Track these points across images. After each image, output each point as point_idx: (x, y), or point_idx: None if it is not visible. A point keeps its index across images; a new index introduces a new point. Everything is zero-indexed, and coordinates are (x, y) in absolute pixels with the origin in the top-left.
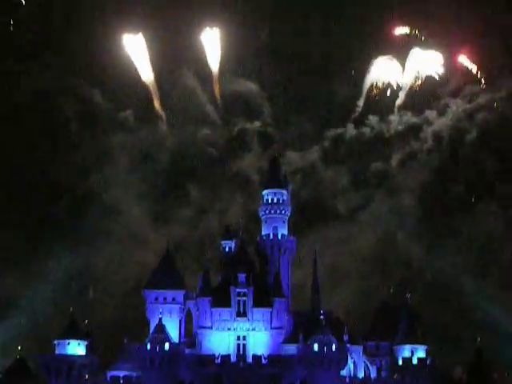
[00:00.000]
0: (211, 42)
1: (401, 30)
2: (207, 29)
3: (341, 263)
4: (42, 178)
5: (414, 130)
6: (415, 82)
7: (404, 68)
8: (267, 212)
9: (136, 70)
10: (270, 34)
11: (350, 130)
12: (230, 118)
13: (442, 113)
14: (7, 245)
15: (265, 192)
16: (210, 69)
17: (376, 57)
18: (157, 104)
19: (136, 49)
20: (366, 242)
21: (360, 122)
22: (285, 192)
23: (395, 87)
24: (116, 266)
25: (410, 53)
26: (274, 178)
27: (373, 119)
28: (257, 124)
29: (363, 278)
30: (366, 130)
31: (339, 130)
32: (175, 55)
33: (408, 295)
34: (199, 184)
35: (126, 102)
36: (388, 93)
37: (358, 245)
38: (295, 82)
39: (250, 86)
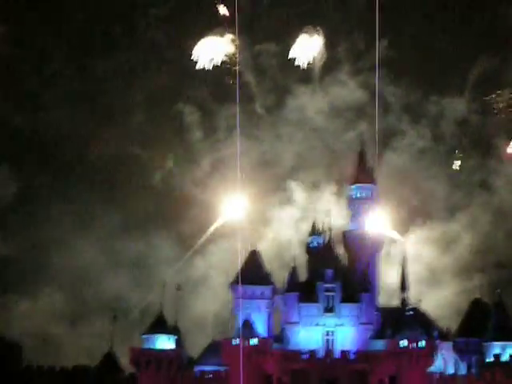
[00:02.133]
0: None
1: None
2: None
3: (440, 262)
4: None
5: None
6: None
7: None
8: (356, 207)
9: None
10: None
11: None
12: None
13: None
14: None
15: (353, 186)
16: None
17: None
18: None
19: None
20: (466, 241)
21: None
22: (372, 186)
23: None
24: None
25: None
26: (362, 173)
27: None
28: None
29: (460, 277)
30: None
31: None
32: None
33: (498, 291)
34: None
35: None
36: None
37: (457, 244)
38: None
39: None
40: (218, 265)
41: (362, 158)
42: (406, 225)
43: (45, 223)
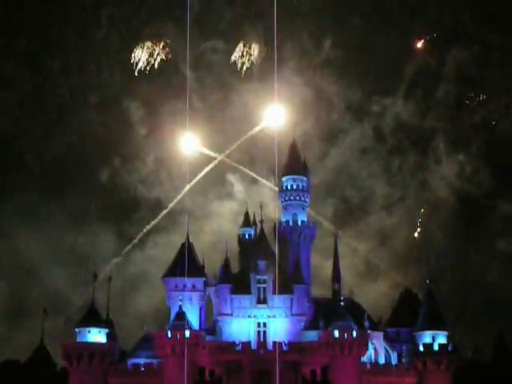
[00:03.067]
0: None
1: None
2: None
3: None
4: None
5: None
6: None
7: None
8: (287, 199)
9: None
10: None
11: None
12: None
13: None
14: None
15: (284, 178)
16: None
17: None
18: None
19: None
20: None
21: None
22: (304, 178)
23: None
24: None
25: None
26: (293, 164)
27: None
28: None
29: (395, 269)
30: None
31: None
32: None
33: (428, 281)
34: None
35: None
36: None
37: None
38: None
39: None
40: (157, 258)
41: (294, 149)
42: (344, 219)
43: None
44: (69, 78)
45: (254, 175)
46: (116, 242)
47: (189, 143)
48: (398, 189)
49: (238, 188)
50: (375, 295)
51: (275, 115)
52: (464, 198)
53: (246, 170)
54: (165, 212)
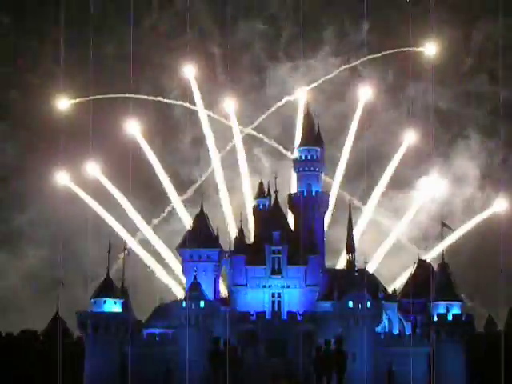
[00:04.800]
0: None
1: None
2: None
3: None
4: None
5: None
6: None
7: None
8: (301, 169)
9: None
10: None
11: None
12: None
13: None
14: None
15: (298, 149)
16: None
17: None
18: None
19: None
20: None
21: None
22: (318, 149)
23: None
24: None
25: None
26: (307, 135)
27: None
28: None
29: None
30: None
31: None
32: None
33: (442, 251)
34: None
35: None
36: None
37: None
38: None
39: None
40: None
41: (308, 120)
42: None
43: None
44: None
45: (276, 145)
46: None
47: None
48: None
49: (265, 163)
50: (393, 267)
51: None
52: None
53: (271, 142)
54: (194, 186)
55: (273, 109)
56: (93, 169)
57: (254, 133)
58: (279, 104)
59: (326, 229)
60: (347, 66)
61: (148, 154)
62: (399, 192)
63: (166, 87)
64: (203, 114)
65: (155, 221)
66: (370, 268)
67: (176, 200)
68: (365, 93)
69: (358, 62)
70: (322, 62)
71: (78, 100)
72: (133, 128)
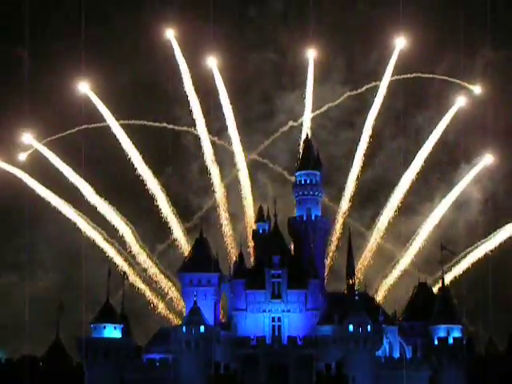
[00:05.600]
0: None
1: None
2: None
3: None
4: None
5: None
6: None
7: None
8: (300, 194)
9: None
10: None
11: None
12: None
13: None
14: None
15: (297, 173)
16: None
17: None
18: None
19: None
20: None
21: None
22: (318, 173)
23: None
24: None
25: None
26: (306, 160)
27: None
28: None
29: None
30: None
31: None
32: None
33: (444, 274)
34: None
35: None
36: None
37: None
38: None
39: None
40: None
41: (307, 144)
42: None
43: None
44: None
45: (280, 170)
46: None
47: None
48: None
49: (269, 188)
50: (392, 290)
51: None
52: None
53: (275, 167)
54: (199, 215)
55: (278, 134)
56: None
57: (259, 158)
58: (284, 129)
59: (330, 254)
60: (353, 92)
61: (151, 184)
62: (402, 217)
63: None
64: (206, 142)
65: (160, 247)
66: (374, 293)
67: (176, 227)
68: (400, 41)
69: (364, 89)
70: (330, 90)
71: None
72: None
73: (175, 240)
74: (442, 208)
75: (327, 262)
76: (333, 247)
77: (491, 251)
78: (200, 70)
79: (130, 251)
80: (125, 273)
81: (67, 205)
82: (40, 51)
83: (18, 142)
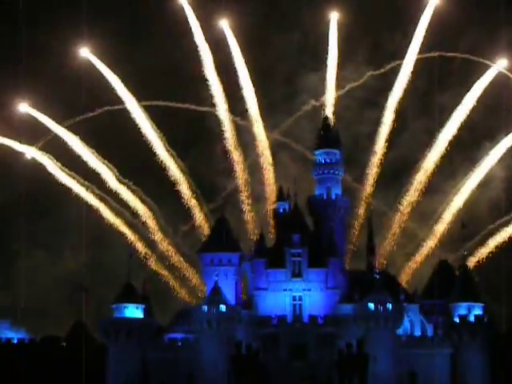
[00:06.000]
0: None
1: None
2: None
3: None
4: None
5: None
6: None
7: None
8: (320, 172)
9: None
10: None
11: None
12: None
13: None
14: None
15: (317, 152)
16: None
17: None
18: None
19: None
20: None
21: None
22: (337, 152)
23: None
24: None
25: None
26: (325, 138)
27: None
28: None
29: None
30: None
31: None
32: None
33: (464, 252)
34: None
35: None
36: None
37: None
38: None
39: None
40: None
41: (326, 123)
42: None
43: None
44: None
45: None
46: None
47: None
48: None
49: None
50: (414, 269)
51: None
52: None
53: (297, 147)
54: (222, 196)
55: (300, 113)
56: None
57: (282, 138)
58: (306, 108)
59: (355, 234)
60: (376, 72)
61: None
62: (426, 197)
63: None
64: (227, 123)
65: (184, 228)
66: (397, 272)
67: (198, 209)
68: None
69: (388, 68)
70: (353, 70)
71: None
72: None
73: (198, 221)
74: (465, 187)
75: (351, 241)
76: (357, 227)
77: None
78: (221, 50)
79: (152, 233)
80: (146, 253)
81: (87, 190)
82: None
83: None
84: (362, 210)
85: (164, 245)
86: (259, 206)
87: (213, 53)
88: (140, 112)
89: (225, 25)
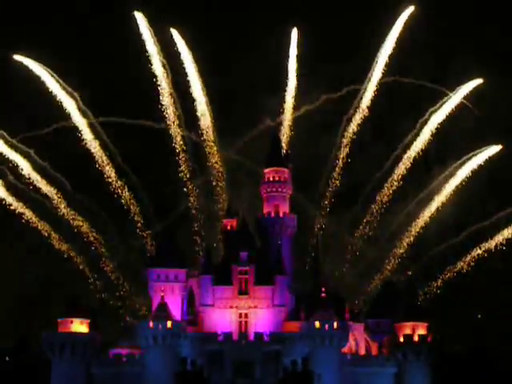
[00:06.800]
0: None
1: None
2: None
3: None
4: None
5: None
6: None
7: None
8: (268, 190)
9: None
10: None
11: None
12: None
13: None
14: None
15: (266, 170)
16: None
17: None
18: None
19: None
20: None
21: None
22: (286, 170)
23: None
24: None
25: None
26: (274, 157)
27: None
28: None
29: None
30: None
31: None
32: None
33: (409, 273)
34: None
35: None
36: None
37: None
38: None
39: None
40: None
41: (275, 141)
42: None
43: None
44: None
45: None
46: None
47: None
48: None
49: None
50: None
51: None
52: None
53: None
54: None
55: (255, 133)
56: None
57: (235, 156)
58: (261, 128)
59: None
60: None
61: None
62: (378, 218)
63: None
64: (179, 139)
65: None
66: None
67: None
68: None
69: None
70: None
71: None
72: None
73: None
74: (415, 210)
75: (302, 259)
76: (308, 246)
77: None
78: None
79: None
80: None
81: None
82: None
83: None
84: (314, 230)
85: (112, 260)
86: (212, 224)
87: (167, 72)
88: (92, 129)
89: (178, 38)
